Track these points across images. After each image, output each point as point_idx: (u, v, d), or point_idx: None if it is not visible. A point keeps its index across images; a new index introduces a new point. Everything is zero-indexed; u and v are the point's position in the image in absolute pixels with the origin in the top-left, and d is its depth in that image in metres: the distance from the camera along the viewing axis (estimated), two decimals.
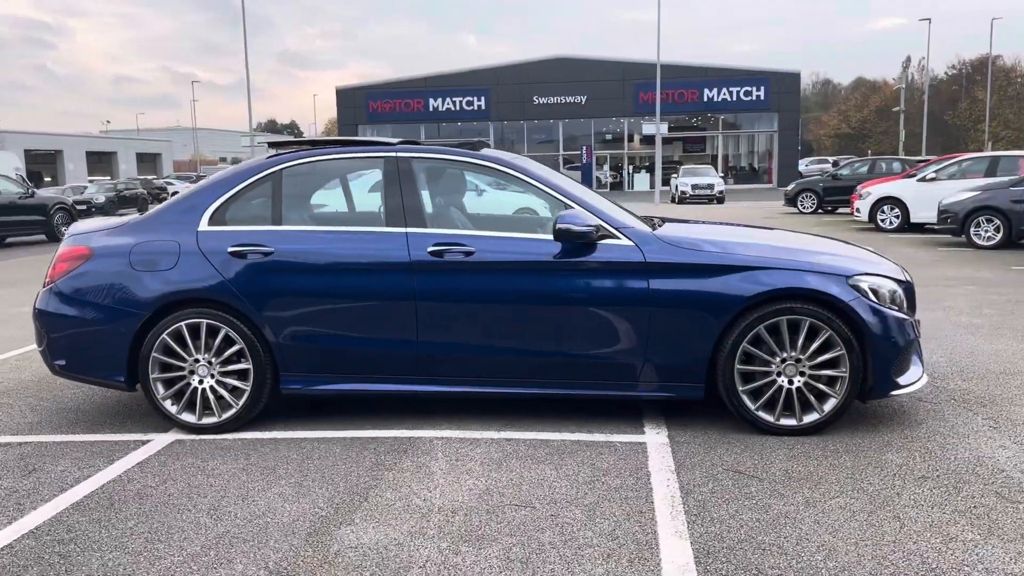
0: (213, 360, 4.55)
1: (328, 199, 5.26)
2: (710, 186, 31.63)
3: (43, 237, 20.85)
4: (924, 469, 3.91)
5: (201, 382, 4.56)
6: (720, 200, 31.48)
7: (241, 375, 4.55)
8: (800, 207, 24.19)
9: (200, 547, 3.25)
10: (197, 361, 4.55)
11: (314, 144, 4.91)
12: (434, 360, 4.51)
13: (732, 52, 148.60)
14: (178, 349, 4.54)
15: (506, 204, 6.27)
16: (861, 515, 3.41)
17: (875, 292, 4.36)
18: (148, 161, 61.51)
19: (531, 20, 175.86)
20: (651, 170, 42.69)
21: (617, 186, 47.84)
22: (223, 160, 77.43)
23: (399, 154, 4.68)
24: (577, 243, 4.38)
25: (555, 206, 4.60)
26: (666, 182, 37.13)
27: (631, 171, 48.37)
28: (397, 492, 3.74)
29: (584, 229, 4.30)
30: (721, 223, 5.65)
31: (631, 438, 4.38)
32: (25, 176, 37.48)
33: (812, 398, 4.35)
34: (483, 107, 46.67)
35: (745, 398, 4.36)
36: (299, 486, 3.85)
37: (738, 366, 4.33)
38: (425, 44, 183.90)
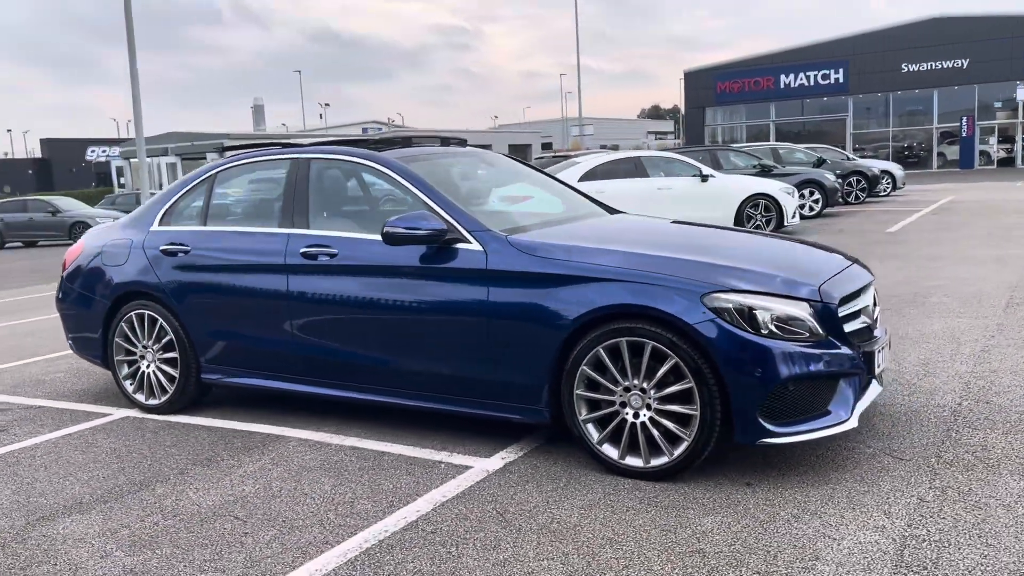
0: (154, 348, 5.04)
1: (255, 201, 5.47)
2: None
3: None
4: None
5: (148, 367, 5.09)
6: None
7: (173, 363, 4.99)
8: None
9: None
10: (146, 348, 5.08)
11: (258, 147, 5.16)
12: (314, 362, 4.54)
13: None
14: (131, 336, 5.11)
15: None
16: None
17: (742, 313, 3.49)
18: (520, 152, 66.31)
19: None
20: None
21: (1008, 162, 41.23)
22: (603, 147, 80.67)
23: (301, 155, 4.75)
24: (430, 248, 4.11)
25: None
26: None
27: None
28: (200, 482, 3.88)
29: (407, 232, 4.02)
30: (682, 223, 4.86)
31: (467, 460, 4.03)
32: None
33: (660, 437, 3.63)
34: (840, 80, 43.03)
35: (589, 428, 3.78)
36: (126, 464, 4.16)
37: (579, 391, 3.76)
38: (818, 14, 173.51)
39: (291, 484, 3.85)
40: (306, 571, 2.99)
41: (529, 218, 4.56)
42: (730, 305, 3.51)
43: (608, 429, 3.74)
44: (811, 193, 16.44)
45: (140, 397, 5.15)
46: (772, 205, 13.17)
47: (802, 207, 16.26)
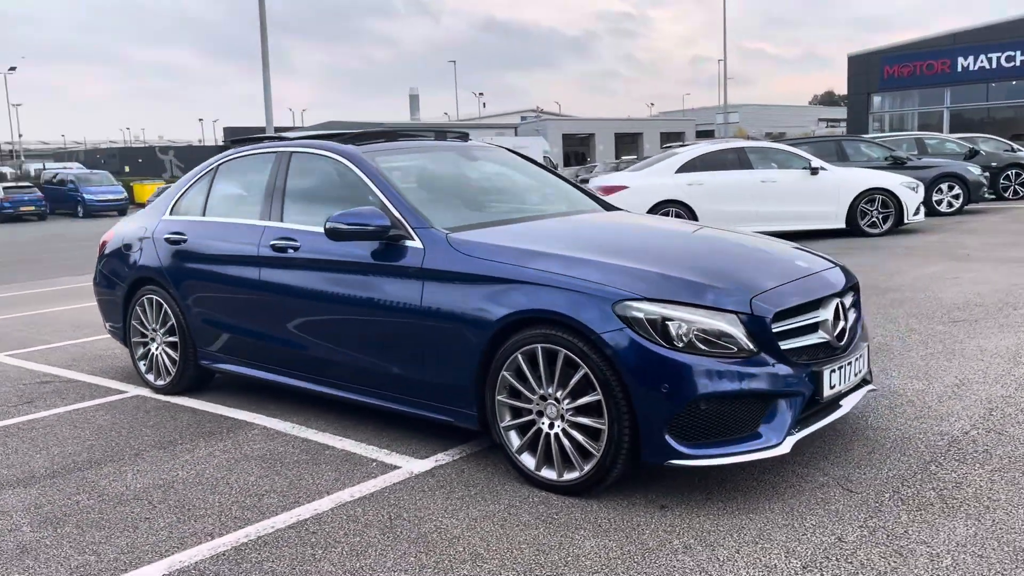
0: (160, 332, 5.30)
1: (246, 193, 5.56)
2: None
3: None
4: None
5: (157, 349, 5.36)
6: None
7: (175, 347, 5.23)
8: None
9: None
10: (154, 331, 5.35)
11: (260, 139, 5.28)
12: (282, 353, 4.62)
13: None
14: (143, 319, 5.40)
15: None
16: None
17: (655, 324, 3.25)
18: (674, 140, 64.85)
19: None
20: None
21: None
22: (768, 135, 77.58)
23: (284, 149, 4.83)
24: (381, 244, 4.07)
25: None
26: None
27: None
28: (147, 464, 4.05)
29: (347, 228, 3.99)
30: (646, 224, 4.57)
31: (400, 460, 3.98)
32: (551, 158, 42.78)
33: (572, 450, 3.45)
34: None
35: (511, 436, 3.65)
36: (99, 442, 4.39)
37: (500, 397, 3.63)
38: None
39: (223, 472, 3.94)
40: (168, 564, 3.04)
41: (490, 216, 4.42)
42: (640, 315, 3.27)
43: (526, 438, 3.59)
44: (950, 188, 15.12)
45: (150, 377, 5.43)
46: (890, 200, 12.21)
47: (938, 203, 14.99)
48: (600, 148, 56.84)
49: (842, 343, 3.62)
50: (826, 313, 3.56)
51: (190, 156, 72.64)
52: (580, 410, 3.39)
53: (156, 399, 5.27)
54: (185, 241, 5.09)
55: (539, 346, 3.45)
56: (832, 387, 3.50)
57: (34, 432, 4.72)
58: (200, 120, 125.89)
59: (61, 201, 38.31)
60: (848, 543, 2.98)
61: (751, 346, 3.29)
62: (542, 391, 3.49)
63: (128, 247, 5.51)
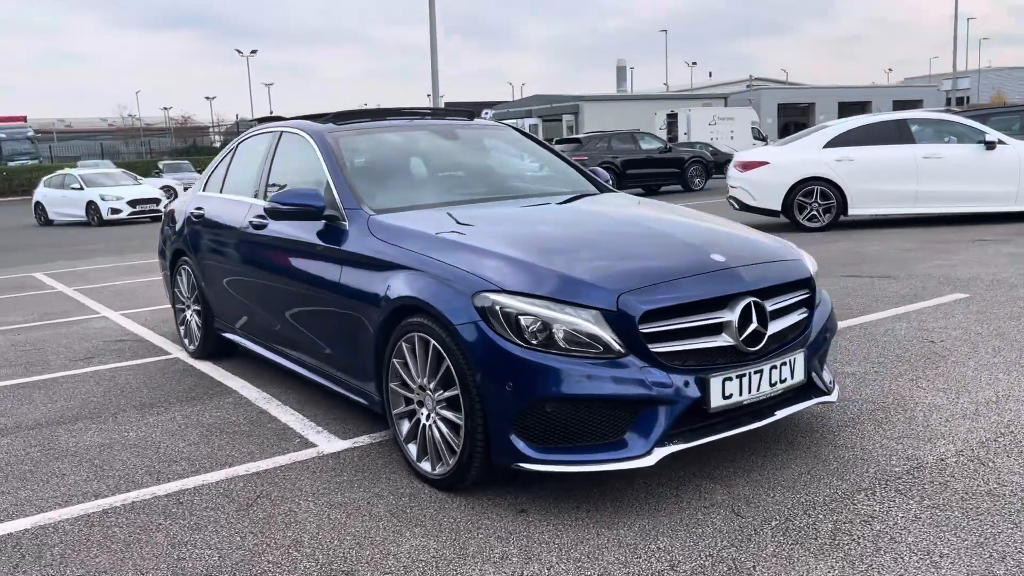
0: (191, 300, 5.68)
1: (249, 171, 5.67)
2: None
3: (679, 188, 23.20)
4: None
5: (190, 316, 5.75)
6: None
7: (199, 315, 5.58)
8: None
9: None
10: (187, 299, 5.75)
11: (273, 120, 5.45)
12: (261, 327, 4.79)
13: None
14: (180, 288, 5.81)
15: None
16: None
17: (508, 318, 3.05)
18: (909, 108, 59.21)
19: None
20: None
21: None
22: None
23: (276, 128, 4.96)
24: (325, 224, 4.09)
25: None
26: None
27: None
28: (113, 423, 4.38)
29: (278, 207, 4.02)
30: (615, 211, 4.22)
31: (323, 439, 4.01)
32: (760, 129, 40.65)
33: (441, 443, 3.33)
34: None
35: (401, 424, 3.58)
36: (99, 400, 4.79)
37: (392, 385, 3.56)
38: None
39: (165, 437, 4.16)
40: (37, 519, 3.26)
41: (435, 198, 4.28)
42: (496, 307, 3.06)
43: (409, 427, 3.50)
44: None
45: (185, 343, 5.84)
46: None
47: None
48: (821, 118, 53.33)
49: (755, 348, 3.19)
50: (731, 314, 3.16)
51: None
52: (447, 403, 3.25)
53: (185, 363, 5.65)
54: (202, 217, 5.39)
55: (416, 335, 3.34)
56: (727, 396, 3.11)
57: (58, 387, 5.23)
58: (427, 96, 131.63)
59: None
60: (678, 572, 2.66)
61: (618, 347, 2.99)
62: (421, 381, 3.38)
63: (173, 221, 5.92)
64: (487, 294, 3.09)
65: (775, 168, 11.30)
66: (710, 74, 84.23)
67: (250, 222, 4.69)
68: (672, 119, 37.67)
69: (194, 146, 61.42)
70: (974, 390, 4.24)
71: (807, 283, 3.52)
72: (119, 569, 2.85)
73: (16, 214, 27.41)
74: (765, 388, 3.21)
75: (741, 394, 3.14)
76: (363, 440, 3.95)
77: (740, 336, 3.15)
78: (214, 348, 5.55)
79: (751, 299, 3.19)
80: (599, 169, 5.07)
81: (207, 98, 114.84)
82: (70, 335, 6.91)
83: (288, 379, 4.98)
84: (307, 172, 4.45)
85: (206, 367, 5.48)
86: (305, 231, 4.17)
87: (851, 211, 11.10)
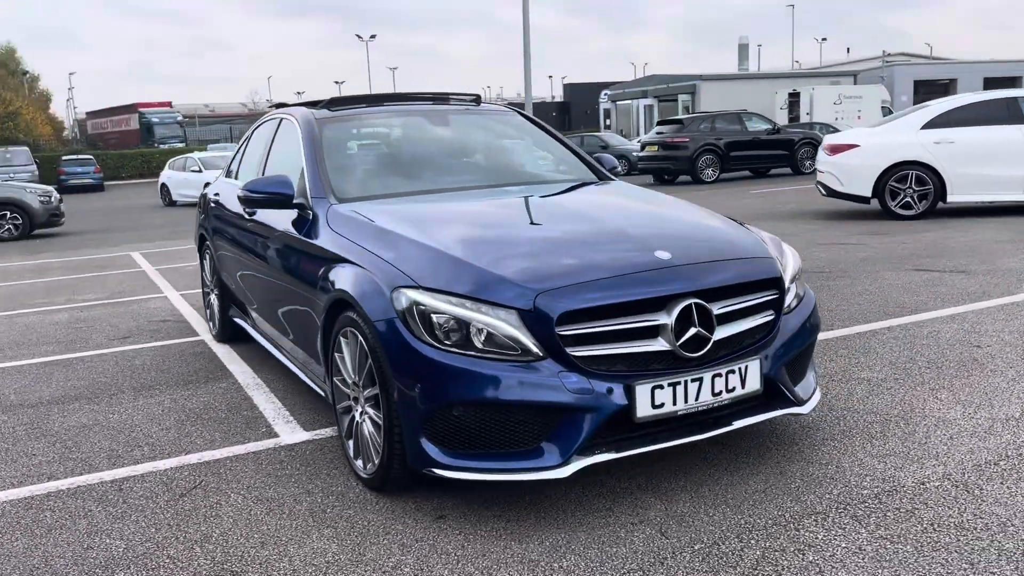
0: (212, 284, 5.79)
1: (256, 157, 5.62)
2: None
3: (788, 170, 22.22)
4: None
5: (214, 301, 5.86)
6: None
7: (219, 299, 5.68)
8: None
9: None
10: (210, 283, 5.86)
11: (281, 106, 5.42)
12: (259, 315, 4.81)
13: None
14: (206, 272, 5.93)
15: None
16: None
17: (423, 315, 2.90)
18: None
19: None
20: None
21: None
22: None
23: (279, 115, 4.94)
24: (296, 213, 4.05)
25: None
26: None
27: None
28: (105, 404, 4.51)
29: (247, 195, 3.99)
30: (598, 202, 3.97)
31: (289, 429, 3.98)
32: (892, 108, 38.40)
33: (370, 442, 3.23)
34: None
35: (344, 419, 3.48)
36: (106, 380, 4.94)
37: (336, 379, 3.48)
38: None
39: (145, 421, 4.22)
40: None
41: (409, 187, 4.15)
42: (411, 304, 2.92)
43: (347, 424, 3.41)
44: None
45: (210, 325, 5.96)
46: None
47: None
48: None
49: (696, 354, 2.92)
50: (667, 317, 2.89)
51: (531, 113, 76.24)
52: (373, 402, 3.14)
53: (205, 346, 5.77)
54: (217, 203, 5.46)
55: (349, 330, 3.24)
56: (658, 406, 2.85)
57: (81, 366, 5.43)
58: (549, 77, 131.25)
59: None
60: None
61: (536, 349, 2.80)
62: (354, 378, 3.28)
63: (201, 206, 6.04)
64: (404, 290, 2.95)
65: (866, 151, 10.58)
66: (848, 50, 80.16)
67: (244, 209, 4.69)
68: (794, 98, 36.10)
69: None
70: (1000, 404, 3.78)
71: (775, 283, 3.20)
72: (30, 555, 2.87)
73: (150, 194, 29.02)
74: (706, 398, 2.93)
75: (675, 403, 2.88)
76: (325, 432, 3.89)
77: (678, 341, 2.88)
78: (231, 332, 5.63)
79: (692, 301, 2.92)
80: (607, 156, 4.82)
81: (336, 82, 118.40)
82: (123, 314, 7.19)
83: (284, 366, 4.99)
84: (295, 158, 4.40)
85: (221, 350, 5.56)
86: (283, 219, 4.13)
87: (950, 198, 10.26)
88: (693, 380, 2.89)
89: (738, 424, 3.04)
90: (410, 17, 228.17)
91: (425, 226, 3.40)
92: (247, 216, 4.62)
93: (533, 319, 2.79)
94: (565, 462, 2.78)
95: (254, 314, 4.85)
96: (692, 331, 2.90)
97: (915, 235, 9.08)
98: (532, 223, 3.56)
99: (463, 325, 2.83)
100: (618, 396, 2.81)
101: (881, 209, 10.68)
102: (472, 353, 2.80)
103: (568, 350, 2.79)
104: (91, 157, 39.60)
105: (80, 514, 3.18)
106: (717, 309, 2.98)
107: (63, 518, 3.15)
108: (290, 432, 3.92)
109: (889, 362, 4.51)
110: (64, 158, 38.92)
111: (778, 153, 21.88)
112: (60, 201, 16.58)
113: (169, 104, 61.19)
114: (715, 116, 22.42)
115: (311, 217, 3.82)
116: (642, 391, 2.81)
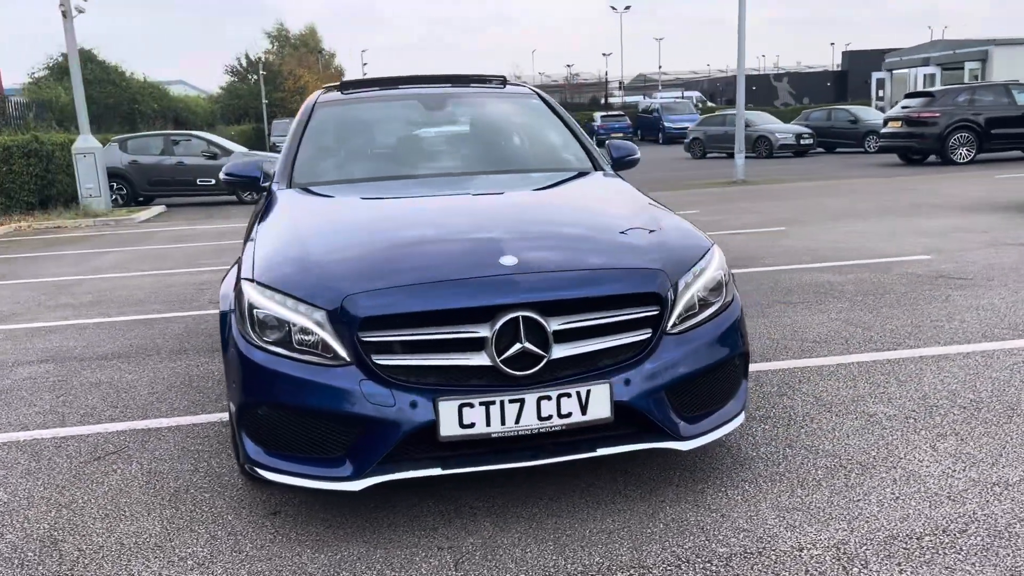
0: None
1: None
2: None
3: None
4: None
5: None
6: None
7: None
8: None
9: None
10: None
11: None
12: None
13: None
14: None
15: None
16: None
17: (249, 311, 2.83)
18: None
19: None
20: None
21: None
22: None
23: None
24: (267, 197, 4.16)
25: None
26: None
27: None
28: (108, 370, 4.92)
29: (228, 177, 4.12)
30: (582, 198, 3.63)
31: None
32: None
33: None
34: None
35: None
36: (115, 349, 5.38)
37: None
38: None
39: (143, 384, 4.52)
40: None
41: (368, 172, 4.06)
42: (243, 298, 2.88)
43: None
44: None
45: None
46: None
47: None
48: None
49: (523, 372, 2.62)
50: (487, 330, 2.62)
51: (801, 83, 71.80)
52: None
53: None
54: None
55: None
56: (467, 425, 2.59)
57: (136, 327, 5.93)
58: (831, 44, 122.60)
59: (648, 129, 42.20)
60: None
61: (344, 353, 2.66)
62: None
63: None
64: (244, 282, 2.91)
65: None
66: None
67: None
68: None
69: (594, 101, 63.94)
70: (1005, 465, 3.05)
71: (653, 298, 2.78)
72: None
73: None
74: (530, 422, 2.62)
75: (489, 424, 2.60)
76: None
77: (499, 357, 2.60)
78: None
79: (521, 314, 2.61)
80: (621, 143, 4.42)
81: (604, 54, 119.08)
82: (211, 282, 7.70)
83: None
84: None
85: None
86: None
87: None
88: (512, 401, 2.59)
89: (604, 452, 2.71)
90: None
91: (316, 216, 3.34)
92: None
93: (339, 322, 2.64)
94: (358, 475, 2.62)
95: None
96: (516, 347, 2.60)
97: None
98: (423, 221, 3.36)
99: (283, 324, 2.74)
100: (424, 411, 2.59)
101: None
102: (284, 353, 2.71)
103: (373, 357, 2.61)
104: None
105: (3, 464, 3.48)
106: (557, 325, 2.65)
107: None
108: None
109: (920, 396, 3.79)
110: None
111: None
112: None
113: None
114: (976, 87, 19.79)
115: (266, 199, 3.88)
116: (447, 408, 2.57)
